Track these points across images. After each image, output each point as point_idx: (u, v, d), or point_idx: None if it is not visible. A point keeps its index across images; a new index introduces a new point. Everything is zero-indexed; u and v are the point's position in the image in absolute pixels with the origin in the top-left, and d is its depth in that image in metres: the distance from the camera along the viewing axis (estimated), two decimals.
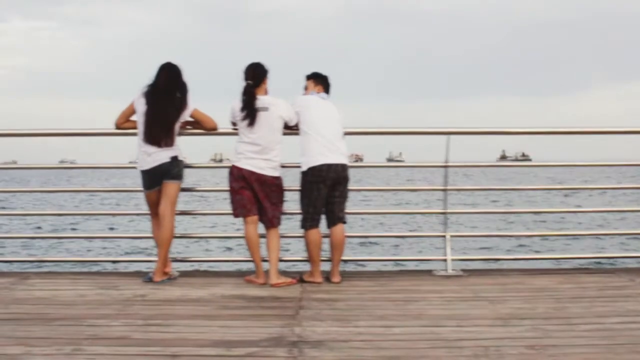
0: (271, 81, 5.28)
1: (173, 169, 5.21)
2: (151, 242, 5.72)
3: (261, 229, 5.32)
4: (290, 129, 5.26)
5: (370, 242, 11.24)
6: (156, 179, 5.24)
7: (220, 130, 5.46)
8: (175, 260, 5.76)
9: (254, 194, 5.18)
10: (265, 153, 5.14)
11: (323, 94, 5.30)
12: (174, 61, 5.32)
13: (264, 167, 5.13)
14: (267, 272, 5.25)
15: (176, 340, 3.64)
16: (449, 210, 5.76)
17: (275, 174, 5.17)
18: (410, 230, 14.60)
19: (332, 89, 5.43)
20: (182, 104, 5.23)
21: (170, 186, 5.24)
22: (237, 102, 5.18)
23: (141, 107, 5.23)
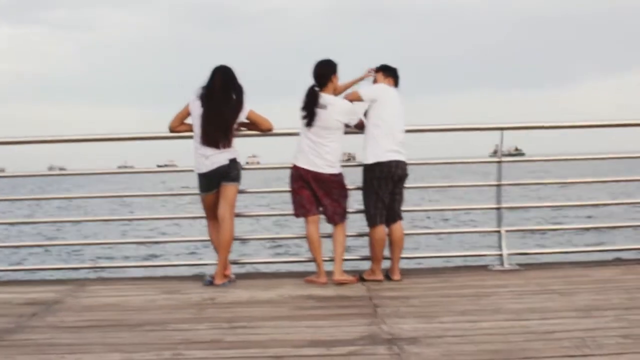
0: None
1: (232, 171, 5.18)
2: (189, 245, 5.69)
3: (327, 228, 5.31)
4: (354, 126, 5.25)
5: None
6: (214, 182, 5.21)
7: (277, 132, 5.44)
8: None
9: (313, 193, 5.17)
10: (322, 151, 5.13)
11: (394, 88, 5.27)
12: (225, 64, 5.30)
13: (321, 164, 5.13)
14: (326, 272, 5.24)
15: (271, 342, 3.62)
16: (503, 205, 5.77)
17: (333, 171, 5.16)
18: (454, 226, 14.47)
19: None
20: (237, 105, 5.21)
21: (229, 188, 5.21)
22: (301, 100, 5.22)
23: (197, 109, 5.20)
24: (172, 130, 5.38)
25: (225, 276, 5.26)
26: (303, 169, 5.15)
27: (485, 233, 6.97)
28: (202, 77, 5.23)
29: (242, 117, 5.25)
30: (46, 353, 3.51)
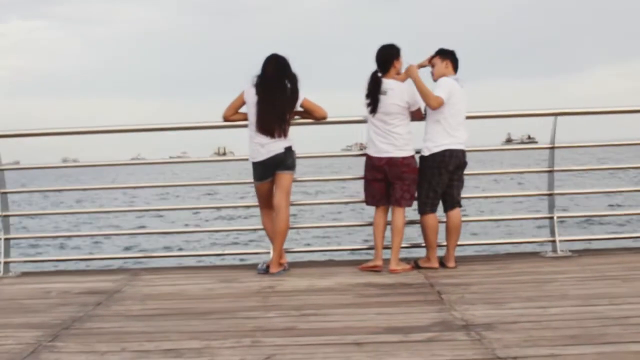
0: None
1: (287, 160, 5.18)
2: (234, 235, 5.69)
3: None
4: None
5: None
6: (269, 170, 5.20)
7: (332, 119, 5.43)
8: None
9: (385, 182, 5.16)
10: (389, 136, 5.12)
11: (456, 77, 5.22)
12: (280, 53, 5.28)
13: (391, 150, 5.12)
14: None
15: (346, 329, 3.61)
16: (556, 192, 5.73)
17: (404, 154, 5.12)
18: (499, 214, 14.36)
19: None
20: (292, 93, 5.19)
21: (284, 177, 5.20)
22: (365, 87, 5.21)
23: (252, 98, 5.19)
24: (225, 119, 5.37)
25: (281, 264, 5.26)
26: (375, 157, 5.16)
27: (533, 220, 6.95)
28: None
29: (297, 106, 5.23)
30: (125, 341, 3.51)
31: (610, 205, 18.43)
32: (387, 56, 5.19)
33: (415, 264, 5.26)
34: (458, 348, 3.24)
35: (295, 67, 5.26)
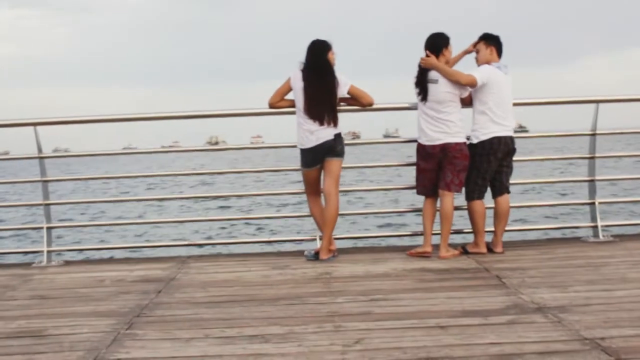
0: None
1: (337, 146, 5.18)
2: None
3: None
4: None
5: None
6: (319, 157, 5.21)
7: (378, 106, 5.44)
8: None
9: (437, 170, 5.20)
10: (441, 124, 5.13)
11: (499, 64, 5.22)
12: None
13: (443, 137, 5.13)
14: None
15: (423, 313, 3.63)
16: (597, 178, 5.77)
17: (457, 140, 5.13)
18: (539, 199, 14.35)
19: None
20: (338, 80, 5.19)
21: (334, 163, 5.21)
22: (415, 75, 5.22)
23: (299, 84, 5.18)
24: (272, 106, 5.36)
25: (330, 251, 5.27)
26: (429, 145, 5.17)
27: (575, 205, 7.00)
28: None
29: (344, 92, 5.23)
30: (204, 327, 3.51)
31: None
32: (436, 45, 5.19)
33: (463, 250, 5.29)
34: (542, 330, 3.27)
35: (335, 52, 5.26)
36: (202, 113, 5.88)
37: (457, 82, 5.07)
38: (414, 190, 5.52)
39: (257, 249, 7.93)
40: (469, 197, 5.24)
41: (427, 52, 5.20)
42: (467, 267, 4.85)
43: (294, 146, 5.36)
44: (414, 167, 5.42)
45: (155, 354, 3.13)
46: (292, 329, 3.42)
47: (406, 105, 5.55)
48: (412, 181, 5.54)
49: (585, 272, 4.51)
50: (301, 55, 5.23)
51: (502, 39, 5.28)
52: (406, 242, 6.06)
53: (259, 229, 14.05)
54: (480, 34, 5.34)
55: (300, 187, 5.66)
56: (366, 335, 3.28)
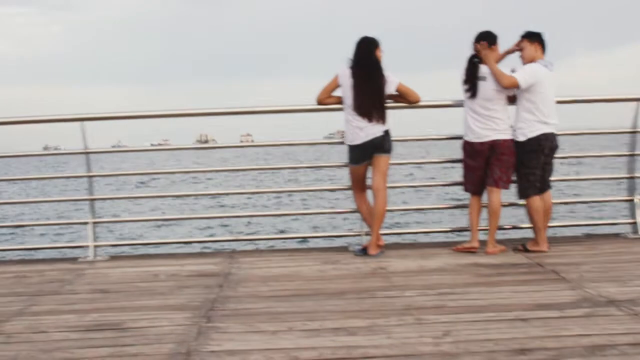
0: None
1: (386, 143, 5.22)
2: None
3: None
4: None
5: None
6: (367, 153, 5.25)
7: (425, 103, 5.48)
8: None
9: (485, 167, 5.24)
10: (490, 121, 5.17)
11: (544, 61, 5.26)
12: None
13: (491, 134, 5.17)
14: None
15: (497, 306, 3.69)
16: (637, 175, 5.85)
17: (505, 137, 5.18)
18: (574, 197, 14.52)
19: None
20: (386, 77, 5.24)
21: (382, 159, 5.25)
22: (462, 73, 5.25)
23: (347, 81, 5.22)
24: (319, 102, 5.39)
25: (379, 246, 5.31)
26: (477, 142, 5.21)
27: (615, 202, 7.07)
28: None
29: (392, 89, 5.27)
30: (285, 320, 3.55)
31: None
32: (489, 39, 5.22)
33: (523, 248, 5.29)
34: (624, 322, 3.34)
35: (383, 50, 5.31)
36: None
37: (499, 82, 5.12)
38: (451, 187, 5.56)
39: (294, 244, 7.96)
40: (525, 195, 5.25)
41: (483, 44, 5.21)
42: (519, 262, 4.91)
43: (341, 143, 5.39)
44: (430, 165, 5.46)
45: (247, 346, 3.16)
46: (374, 322, 3.46)
47: (450, 102, 5.61)
48: (439, 177, 5.60)
49: (638, 267, 4.59)
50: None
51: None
52: (441, 237, 6.12)
53: (290, 225, 14.06)
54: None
55: (340, 184, 5.70)
56: (451, 327, 3.32)
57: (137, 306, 3.99)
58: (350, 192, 5.60)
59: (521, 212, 5.67)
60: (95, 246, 5.63)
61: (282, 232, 12.87)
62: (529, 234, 5.47)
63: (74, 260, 5.58)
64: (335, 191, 6.13)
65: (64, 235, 13.93)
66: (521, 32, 5.31)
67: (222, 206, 18.23)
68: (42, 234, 13.72)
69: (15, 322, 3.75)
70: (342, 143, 5.47)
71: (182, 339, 3.31)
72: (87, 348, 3.24)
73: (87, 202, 5.72)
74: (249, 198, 19.56)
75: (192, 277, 4.74)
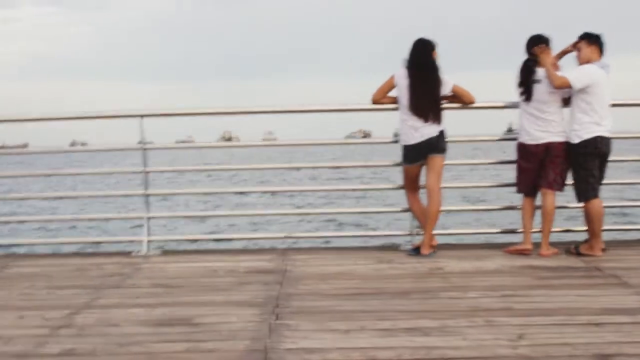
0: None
1: (440, 143, 5.22)
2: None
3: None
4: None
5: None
6: (422, 153, 5.25)
7: (480, 105, 5.48)
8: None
9: (539, 168, 5.22)
10: (545, 123, 5.16)
11: (601, 63, 5.22)
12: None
13: (547, 136, 5.16)
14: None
15: (567, 310, 3.69)
16: None
17: (560, 139, 5.16)
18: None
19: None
20: (440, 78, 5.24)
21: (437, 160, 5.25)
22: (517, 75, 5.23)
23: (404, 81, 5.22)
24: (375, 102, 5.41)
25: (432, 246, 5.31)
26: (532, 144, 5.20)
27: None
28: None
29: (447, 90, 5.27)
30: (355, 319, 3.56)
31: None
32: (544, 42, 5.20)
33: (576, 251, 5.26)
34: None
35: (439, 52, 5.32)
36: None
37: (551, 83, 5.09)
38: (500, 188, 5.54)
39: (340, 243, 7.97)
40: (584, 197, 5.19)
41: (540, 47, 5.18)
42: (575, 265, 4.89)
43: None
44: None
45: (323, 345, 3.18)
46: (445, 323, 3.47)
47: (503, 104, 5.60)
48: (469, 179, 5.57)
49: None
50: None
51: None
52: (487, 239, 6.12)
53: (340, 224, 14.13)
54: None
55: (393, 183, 5.71)
56: (524, 330, 3.32)
57: (203, 302, 4.03)
58: (389, 192, 5.61)
59: (567, 215, 5.65)
60: (149, 241, 5.69)
61: (319, 230, 12.93)
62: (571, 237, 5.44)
63: (127, 254, 5.64)
64: (384, 190, 6.12)
65: (106, 229, 14.09)
66: (580, 33, 5.28)
67: (256, 204, 18.35)
68: (90, 228, 13.88)
69: (85, 315, 3.81)
70: (391, 142, 5.47)
71: (256, 335, 3.34)
72: (162, 343, 3.28)
73: (143, 197, 5.78)
74: (290, 196, 19.63)
75: (250, 274, 4.77)
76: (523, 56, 5.30)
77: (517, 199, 5.56)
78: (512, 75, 5.33)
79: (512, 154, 5.48)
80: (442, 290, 4.18)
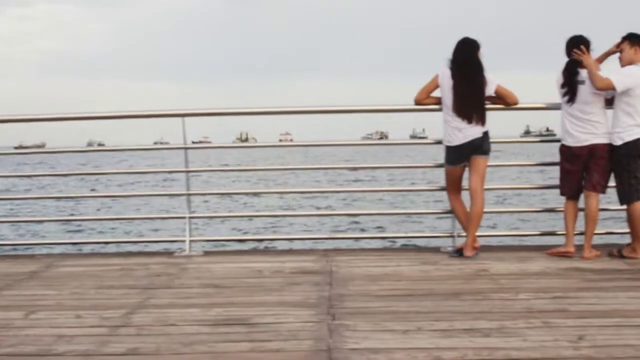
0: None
1: (484, 144, 5.24)
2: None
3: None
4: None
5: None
6: (465, 154, 5.27)
7: (522, 106, 5.49)
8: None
9: (582, 171, 5.22)
10: (589, 125, 5.16)
11: None
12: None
13: (591, 138, 5.15)
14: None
15: (622, 312, 3.69)
16: None
17: (604, 141, 5.16)
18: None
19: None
20: (485, 78, 5.26)
21: (480, 161, 5.27)
22: (559, 76, 5.23)
23: (447, 81, 5.25)
24: (417, 102, 5.44)
25: (475, 248, 5.33)
26: (575, 147, 5.19)
27: None
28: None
29: (491, 91, 5.29)
30: (411, 320, 3.59)
31: None
32: (585, 44, 5.21)
33: (619, 253, 5.25)
34: None
35: (482, 53, 5.34)
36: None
37: (594, 85, 5.09)
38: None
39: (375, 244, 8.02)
40: (629, 200, 5.18)
41: (582, 48, 5.18)
42: (620, 268, 4.89)
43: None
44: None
45: (387, 345, 3.21)
46: (503, 324, 3.49)
47: (544, 105, 5.62)
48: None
49: None
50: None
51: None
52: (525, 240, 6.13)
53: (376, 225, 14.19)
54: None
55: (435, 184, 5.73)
56: (583, 332, 3.34)
57: (256, 302, 4.07)
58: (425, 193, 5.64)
59: (609, 217, 5.64)
60: (191, 241, 5.75)
61: (363, 231, 12.97)
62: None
63: (170, 254, 5.71)
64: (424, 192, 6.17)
65: (140, 228, 14.23)
66: (624, 34, 5.28)
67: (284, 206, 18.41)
68: (112, 228, 14.02)
69: (141, 315, 3.85)
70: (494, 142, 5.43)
71: (317, 335, 3.37)
72: (225, 342, 3.31)
73: (185, 197, 5.84)
74: (326, 197, 19.72)
75: (297, 275, 4.81)
76: (562, 57, 5.30)
77: (555, 201, 5.57)
78: (535, 76, 5.34)
79: (538, 156, 5.48)
80: (493, 291, 4.21)
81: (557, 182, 5.46)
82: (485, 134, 5.24)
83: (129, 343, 3.34)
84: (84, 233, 13.64)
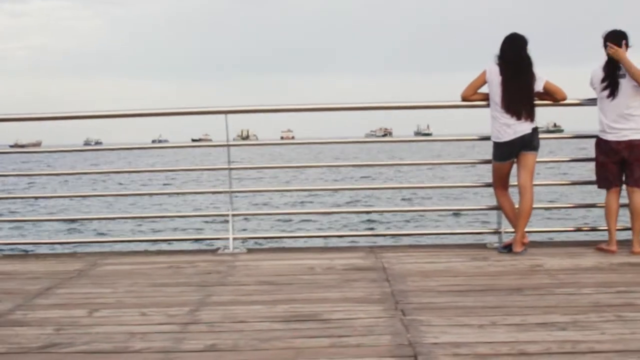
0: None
1: (534, 140, 5.24)
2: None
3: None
4: None
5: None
6: (514, 151, 5.27)
7: (570, 102, 5.48)
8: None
9: (620, 165, 5.21)
10: (629, 119, 5.14)
11: None
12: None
13: (629, 134, 5.14)
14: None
15: None
16: None
17: None
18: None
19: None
20: (534, 74, 5.25)
21: (529, 157, 5.27)
22: (598, 71, 5.21)
23: (495, 77, 5.24)
24: (465, 99, 5.43)
25: (524, 244, 5.32)
26: (614, 141, 5.18)
27: None
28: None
29: (539, 87, 5.28)
30: (483, 315, 3.59)
31: None
32: (619, 38, 5.19)
33: None
34: None
35: (530, 48, 5.33)
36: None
37: (635, 79, 5.08)
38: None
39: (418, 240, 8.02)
40: None
41: (612, 44, 5.17)
42: None
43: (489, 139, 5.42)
44: None
45: (466, 339, 3.20)
46: (575, 318, 3.49)
47: (579, 100, 5.58)
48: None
49: None
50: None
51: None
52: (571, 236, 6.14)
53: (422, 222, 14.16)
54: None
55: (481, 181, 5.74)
56: None
57: (319, 298, 4.06)
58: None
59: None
60: (234, 238, 5.74)
61: (401, 228, 12.97)
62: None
63: (214, 251, 5.70)
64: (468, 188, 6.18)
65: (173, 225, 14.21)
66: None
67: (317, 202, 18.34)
68: (137, 225, 14.02)
69: (207, 312, 3.84)
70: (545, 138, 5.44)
71: (393, 331, 3.37)
72: (302, 338, 3.29)
73: (228, 194, 5.84)
74: (349, 196, 19.72)
75: (350, 271, 4.81)
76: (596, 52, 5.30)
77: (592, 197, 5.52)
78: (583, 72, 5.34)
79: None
80: (554, 287, 4.20)
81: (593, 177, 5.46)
82: (535, 129, 5.24)
83: (205, 340, 3.33)
84: (123, 231, 13.65)
